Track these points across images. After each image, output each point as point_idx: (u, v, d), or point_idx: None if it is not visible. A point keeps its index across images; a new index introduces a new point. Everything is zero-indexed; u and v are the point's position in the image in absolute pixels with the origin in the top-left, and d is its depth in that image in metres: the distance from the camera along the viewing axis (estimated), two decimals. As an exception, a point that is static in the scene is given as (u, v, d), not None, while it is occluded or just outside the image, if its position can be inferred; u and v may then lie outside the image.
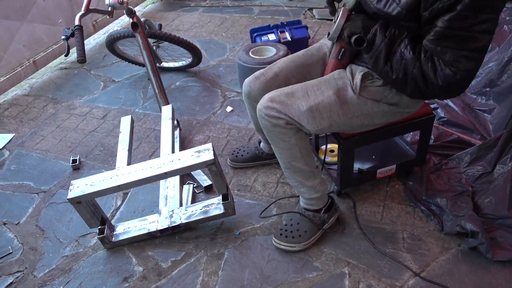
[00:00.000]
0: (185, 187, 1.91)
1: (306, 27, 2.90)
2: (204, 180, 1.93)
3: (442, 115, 2.02)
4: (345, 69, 1.43)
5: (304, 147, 1.44)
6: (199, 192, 1.90)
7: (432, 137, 1.91)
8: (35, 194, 1.99)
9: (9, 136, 2.42)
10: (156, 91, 2.17)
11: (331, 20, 1.44)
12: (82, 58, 1.79)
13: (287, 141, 1.40)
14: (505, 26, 2.06)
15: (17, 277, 1.61)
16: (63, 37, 1.89)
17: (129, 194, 1.93)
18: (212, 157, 1.45)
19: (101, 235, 1.60)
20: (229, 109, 2.43)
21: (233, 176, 1.95)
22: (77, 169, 2.12)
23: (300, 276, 1.49)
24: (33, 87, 2.93)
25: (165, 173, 1.46)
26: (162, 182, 1.89)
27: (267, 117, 1.37)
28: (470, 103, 2.06)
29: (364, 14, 1.29)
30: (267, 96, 1.40)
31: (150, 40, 2.51)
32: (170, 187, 1.85)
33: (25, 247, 1.72)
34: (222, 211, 1.65)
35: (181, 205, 1.77)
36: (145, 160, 1.55)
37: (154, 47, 2.69)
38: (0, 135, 2.43)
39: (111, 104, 2.63)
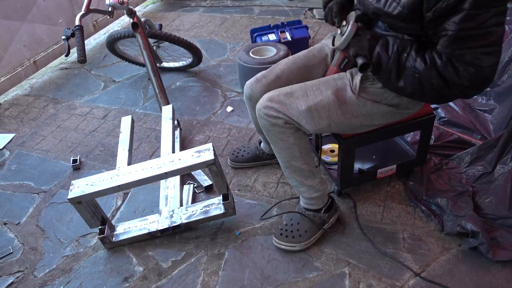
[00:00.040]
0: (186, 187, 1.91)
1: (307, 27, 2.90)
2: (205, 180, 1.93)
3: (443, 115, 2.02)
4: (345, 70, 1.44)
5: (303, 146, 1.44)
6: (199, 192, 1.90)
7: (433, 137, 1.91)
8: (36, 194, 1.99)
9: (10, 136, 2.42)
10: (157, 91, 2.18)
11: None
12: (82, 58, 1.79)
13: (286, 141, 1.40)
14: (506, 26, 2.06)
15: (18, 277, 1.61)
16: (63, 37, 1.89)
17: (129, 194, 1.93)
18: (213, 157, 1.45)
19: (102, 235, 1.60)
20: (229, 109, 2.43)
21: (234, 176, 1.95)
22: (78, 169, 2.12)
23: (300, 276, 1.49)
24: (34, 87, 2.93)
25: (166, 173, 1.46)
26: (162, 182, 1.89)
27: (266, 116, 1.37)
28: (471, 103, 2.05)
29: (370, 30, 1.29)
30: (266, 95, 1.40)
31: (151, 40, 2.51)
32: (170, 187, 1.85)
33: (25, 247, 1.73)
34: (222, 211, 1.65)
35: (181, 205, 1.77)
36: (145, 160, 1.55)
37: (154, 47, 2.69)
38: (0, 135, 2.43)
39: (111, 104, 2.63)
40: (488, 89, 2.02)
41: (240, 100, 2.50)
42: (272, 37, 2.79)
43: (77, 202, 1.47)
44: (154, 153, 2.18)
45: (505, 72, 1.96)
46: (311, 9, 3.64)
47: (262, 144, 1.95)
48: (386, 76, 1.24)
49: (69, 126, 2.46)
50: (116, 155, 1.70)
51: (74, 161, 2.12)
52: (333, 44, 1.36)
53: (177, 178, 1.89)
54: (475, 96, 2.06)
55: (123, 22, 3.86)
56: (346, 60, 1.41)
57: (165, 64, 2.87)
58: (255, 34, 2.85)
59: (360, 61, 1.24)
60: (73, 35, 1.88)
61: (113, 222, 1.79)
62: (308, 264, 1.52)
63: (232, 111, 2.42)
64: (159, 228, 1.65)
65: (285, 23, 2.91)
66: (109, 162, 2.14)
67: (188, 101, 2.56)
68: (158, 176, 1.47)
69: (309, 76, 1.57)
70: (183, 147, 2.18)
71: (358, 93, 1.36)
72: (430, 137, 1.69)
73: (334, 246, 1.58)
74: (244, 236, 1.66)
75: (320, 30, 3.22)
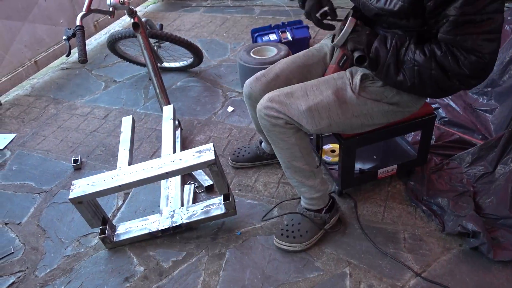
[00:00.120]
0: (186, 187, 1.91)
1: (307, 27, 2.90)
2: (205, 180, 1.93)
3: (444, 115, 2.02)
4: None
5: (304, 146, 1.44)
6: (200, 192, 1.90)
7: (434, 137, 1.91)
8: (37, 194, 1.99)
9: (11, 136, 2.42)
10: (157, 91, 2.18)
11: (332, 20, 1.44)
12: (83, 58, 1.79)
13: (286, 141, 1.40)
14: (506, 26, 2.06)
15: (19, 277, 1.61)
16: (64, 37, 1.89)
17: (130, 194, 1.94)
18: (213, 157, 1.45)
19: (102, 235, 1.60)
20: (230, 109, 2.43)
21: (234, 176, 1.95)
22: (79, 169, 2.12)
23: (301, 276, 1.49)
24: (35, 87, 2.93)
25: (166, 173, 1.46)
26: (163, 182, 1.89)
27: (267, 117, 1.37)
28: (472, 103, 2.05)
29: (369, 27, 1.29)
30: (266, 96, 1.40)
31: (151, 40, 2.51)
32: (171, 187, 1.85)
33: (26, 247, 1.73)
34: (223, 211, 1.65)
35: (182, 205, 1.77)
36: (146, 160, 1.56)
37: (155, 47, 2.69)
38: (1, 135, 2.43)
39: (112, 104, 2.63)
40: (489, 89, 2.02)
41: (240, 100, 2.50)
42: (273, 37, 2.79)
43: (78, 202, 1.47)
44: (155, 153, 2.18)
45: (506, 72, 1.96)
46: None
47: (263, 144, 1.95)
48: (384, 71, 1.25)
49: (70, 126, 2.46)
50: (117, 155, 1.70)
51: (75, 161, 2.12)
52: (332, 41, 1.37)
53: (178, 178, 1.89)
54: (476, 96, 2.06)
55: (124, 22, 3.86)
56: (345, 57, 1.41)
57: (166, 64, 2.87)
58: (256, 34, 2.85)
59: (357, 54, 1.24)
60: (74, 35, 1.88)
61: (114, 222, 1.79)
62: (309, 264, 1.52)
63: (233, 111, 2.42)
64: (160, 228, 1.66)
65: (286, 23, 2.91)
66: (110, 162, 2.14)
67: (189, 101, 2.56)
68: (159, 176, 1.47)
69: (308, 75, 1.57)
70: (184, 147, 2.18)
71: (358, 92, 1.36)
72: (431, 137, 1.69)
73: (335, 246, 1.58)
74: (245, 236, 1.66)
75: (320, 30, 3.22)
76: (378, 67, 1.25)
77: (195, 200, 1.86)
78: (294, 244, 1.55)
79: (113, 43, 2.61)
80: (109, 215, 1.83)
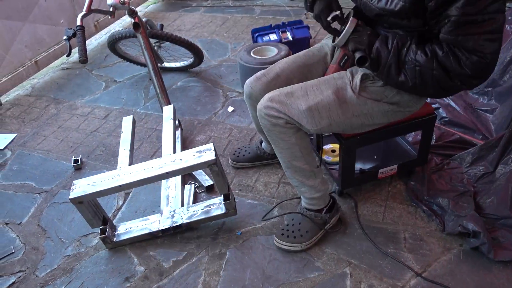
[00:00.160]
0: (187, 187, 1.91)
1: (308, 27, 2.90)
2: (206, 180, 1.93)
3: (444, 115, 2.02)
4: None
5: (304, 146, 1.44)
6: (200, 192, 1.90)
7: (434, 137, 1.91)
8: (37, 194, 1.99)
9: (11, 136, 2.42)
10: (158, 91, 2.18)
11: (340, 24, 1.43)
12: (83, 58, 1.79)
13: (287, 141, 1.40)
14: (507, 26, 2.06)
15: (19, 277, 1.61)
16: (65, 37, 1.89)
17: (130, 194, 1.94)
18: (214, 157, 1.45)
19: (103, 235, 1.60)
20: (230, 109, 2.43)
21: (235, 176, 1.96)
22: (79, 169, 2.13)
23: (301, 276, 1.49)
24: (35, 87, 2.93)
25: (167, 173, 1.46)
26: (163, 182, 1.89)
27: (267, 116, 1.37)
28: (472, 103, 2.05)
29: (370, 27, 1.29)
30: (267, 96, 1.40)
31: (152, 40, 2.51)
32: (171, 187, 1.85)
33: (27, 247, 1.73)
34: (223, 211, 1.65)
35: (182, 205, 1.78)
36: (146, 160, 1.56)
37: (155, 47, 2.69)
38: (2, 135, 2.44)
39: (112, 104, 2.63)
40: (489, 89, 2.01)
41: (241, 100, 2.50)
42: (273, 37, 2.79)
43: (79, 202, 1.47)
44: (155, 153, 2.18)
45: (506, 72, 1.95)
46: (312, 9, 3.63)
47: (263, 144, 1.95)
48: (385, 71, 1.24)
49: (70, 126, 2.47)
50: (117, 155, 1.70)
51: (76, 161, 2.12)
52: (333, 41, 1.36)
53: (178, 178, 1.89)
54: (476, 96, 2.06)
55: (124, 22, 3.86)
56: (346, 57, 1.41)
57: (166, 64, 2.87)
58: (256, 34, 2.85)
59: (358, 55, 1.23)
60: (74, 35, 1.88)
61: (114, 222, 1.79)
62: (309, 264, 1.52)
63: (233, 111, 2.42)
64: (160, 228, 1.66)
65: (286, 23, 2.91)
66: (110, 162, 2.14)
67: (189, 101, 2.56)
68: (159, 176, 1.47)
69: (309, 74, 1.57)
70: (184, 147, 2.18)
71: (359, 92, 1.36)
72: (431, 137, 1.69)
73: (335, 246, 1.58)
74: (245, 236, 1.66)
75: (321, 30, 3.22)
76: (380, 67, 1.25)
77: (195, 200, 1.86)
78: (295, 244, 1.55)
79: (113, 43, 2.61)
80: (110, 215, 1.83)
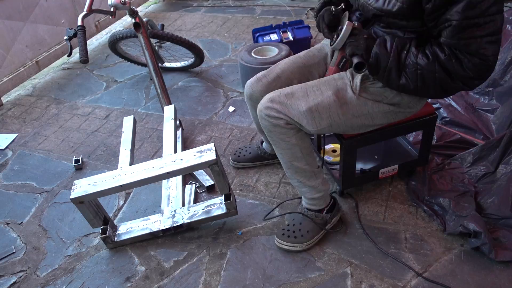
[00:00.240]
0: (188, 187, 1.91)
1: (309, 27, 2.90)
2: (207, 180, 1.93)
3: (445, 115, 2.02)
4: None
5: (304, 147, 1.44)
6: (201, 192, 1.90)
7: (435, 137, 1.90)
8: (38, 194, 1.99)
9: (12, 136, 2.43)
10: (159, 91, 2.18)
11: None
12: (84, 59, 1.80)
13: (287, 141, 1.40)
14: (508, 25, 2.06)
15: (20, 277, 1.61)
16: (65, 37, 1.89)
17: (131, 194, 1.94)
18: (214, 157, 1.45)
19: (104, 235, 1.60)
20: (231, 109, 2.43)
21: (235, 176, 1.96)
22: (80, 169, 2.13)
23: (302, 276, 1.49)
24: (36, 88, 2.94)
25: (168, 173, 1.46)
26: (164, 182, 1.89)
27: (267, 117, 1.37)
28: (473, 103, 2.05)
29: (368, 26, 1.29)
30: (267, 96, 1.40)
31: (153, 40, 2.51)
32: (172, 187, 1.85)
33: (28, 247, 1.73)
34: (224, 211, 1.65)
35: (183, 205, 1.78)
36: (147, 160, 1.56)
37: (156, 47, 2.69)
38: (3, 135, 2.44)
39: (113, 104, 2.63)
40: (490, 89, 2.01)
41: (242, 100, 2.50)
42: (274, 37, 2.79)
43: (80, 202, 1.47)
44: (156, 153, 2.18)
45: (507, 72, 1.95)
46: (313, 9, 3.63)
47: (264, 144, 1.95)
48: (386, 75, 1.24)
49: (71, 126, 2.47)
50: (118, 155, 1.70)
51: (77, 161, 2.13)
52: (331, 44, 1.36)
53: (179, 178, 1.89)
54: (477, 96, 2.06)
55: (125, 22, 3.86)
56: (345, 59, 1.41)
57: (167, 64, 2.87)
58: (257, 34, 2.85)
59: (355, 60, 1.23)
60: (75, 35, 1.88)
61: (115, 222, 1.79)
62: (310, 264, 1.52)
63: (234, 111, 2.42)
64: (161, 228, 1.66)
65: (287, 23, 2.91)
66: (111, 162, 2.14)
67: (190, 101, 2.56)
68: (160, 176, 1.47)
69: (309, 75, 1.57)
70: (185, 147, 2.18)
71: (359, 93, 1.36)
72: (432, 137, 1.69)
73: (336, 246, 1.58)
74: (246, 236, 1.66)
75: (322, 30, 3.22)
76: (379, 71, 1.25)
77: (196, 200, 1.86)
78: (295, 244, 1.55)
79: (114, 43, 2.61)
80: (111, 215, 1.83)
